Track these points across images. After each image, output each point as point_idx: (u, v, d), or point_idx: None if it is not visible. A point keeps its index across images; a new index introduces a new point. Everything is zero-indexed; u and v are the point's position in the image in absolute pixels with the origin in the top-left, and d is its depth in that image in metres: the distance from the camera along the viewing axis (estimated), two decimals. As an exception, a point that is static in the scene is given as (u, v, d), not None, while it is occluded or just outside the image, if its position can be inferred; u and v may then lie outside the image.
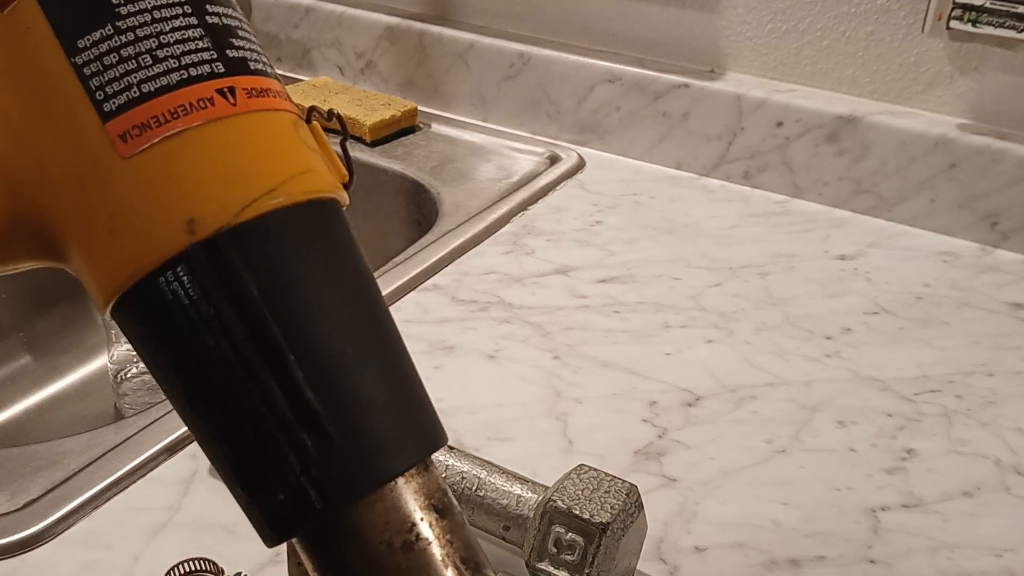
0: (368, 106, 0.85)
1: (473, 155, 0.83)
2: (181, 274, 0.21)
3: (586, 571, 0.38)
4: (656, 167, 0.82)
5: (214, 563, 0.40)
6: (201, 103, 0.22)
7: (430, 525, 0.23)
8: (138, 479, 0.47)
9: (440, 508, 0.23)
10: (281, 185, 0.22)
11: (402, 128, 0.86)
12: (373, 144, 0.83)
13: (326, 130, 0.27)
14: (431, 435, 0.24)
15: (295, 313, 0.21)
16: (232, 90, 0.22)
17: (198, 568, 0.40)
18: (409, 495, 0.22)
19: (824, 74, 0.77)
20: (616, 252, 0.69)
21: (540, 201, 0.76)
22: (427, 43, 0.90)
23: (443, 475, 0.42)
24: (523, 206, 0.75)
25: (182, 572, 0.40)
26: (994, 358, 0.58)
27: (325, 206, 0.23)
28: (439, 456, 0.42)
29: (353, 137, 0.84)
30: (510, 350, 0.58)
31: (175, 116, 0.21)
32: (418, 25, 0.90)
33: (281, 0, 0.97)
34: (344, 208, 0.24)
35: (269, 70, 0.24)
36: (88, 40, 0.21)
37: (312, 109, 0.25)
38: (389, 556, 0.22)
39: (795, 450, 0.50)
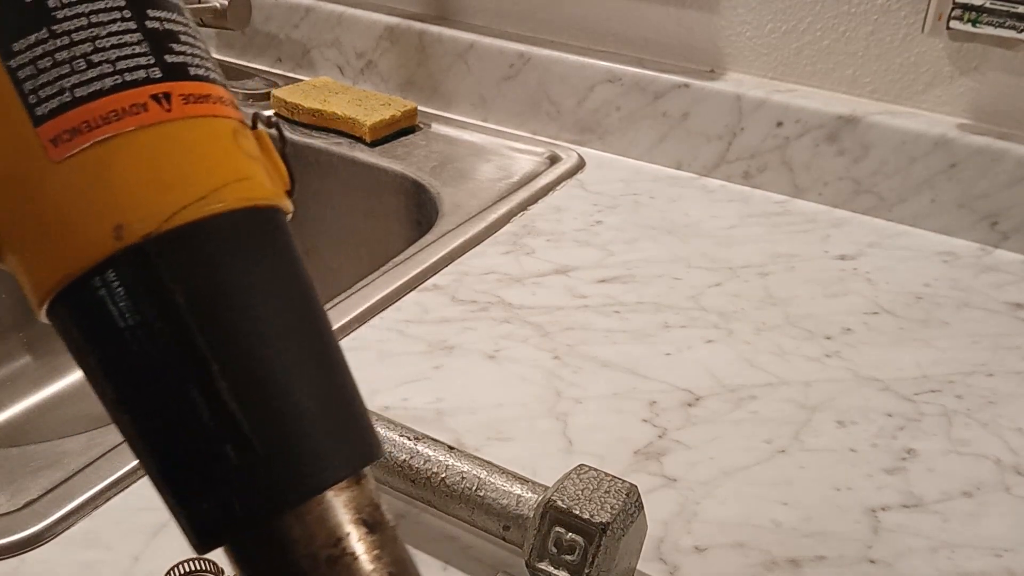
0: (368, 106, 0.85)
1: (473, 155, 0.83)
2: (108, 279, 0.21)
3: (586, 571, 0.38)
4: (656, 167, 0.82)
5: (214, 563, 0.40)
6: (134, 108, 0.22)
7: (358, 539, 0.23)
8: (138, 479, 0.47)
9: (370, 523, 0.23)
10: (213, 192, 0.22)
11: (402, 128, 0.86)
12: (373, 144, 0.83)
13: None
14: (363, 449, 0.23)
15: (222, 322, 0.21)
16: (168, 96, 0.22)
17: (198, 568, 0.40)
18: (338, 508, 0.22)
19: (824, 74, 0.77)
20: (616, 252, 0.69)
21: (540, 201, 0.76)
22: (427, 43, 0.90)
23: (443, 475, 0.42)
24: (523, 206, 0.75)
25: (182, 572, 0.40)
26: (994, 358, 0.58)
27: (262, 214, 0.23)
28: (440, 456, 0.42)
29: (353, 137, 0.84)
30: (510, 350, 0.58)
31: (107, 121, 0.21)
32: (418, 25, 0.90)
33: (281, 0, 0.97)
34: (288, 215, 0.24)
35: (212, 75, 0.24)
36: (23, 44, 0.21)
37: (256, 116, 0.25)
38: (313, 569, 0.22)
39: (795, 450, 0.50)
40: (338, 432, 0.23)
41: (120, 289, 0.21)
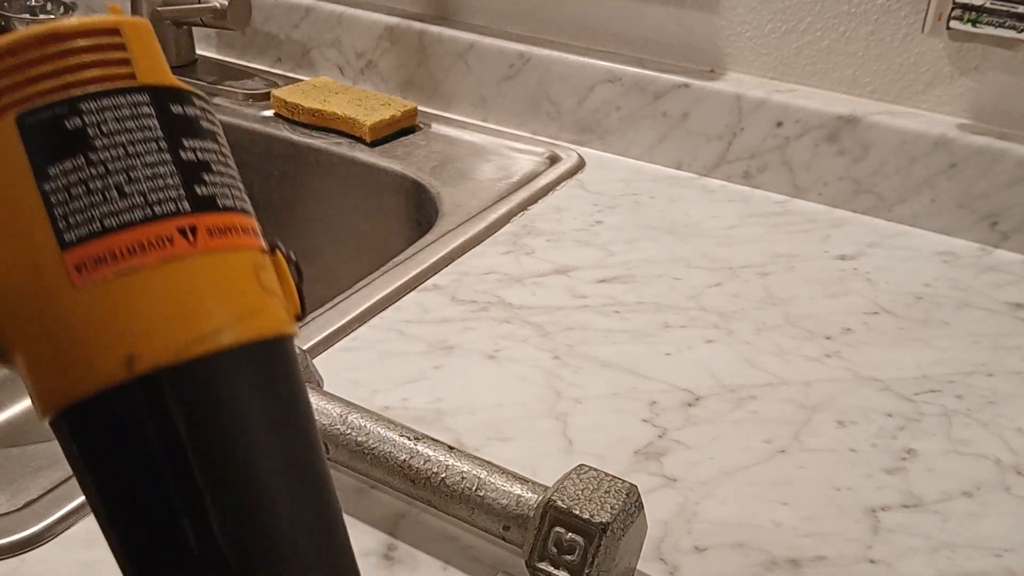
0: (368, 106, 0.85)
1: (473, 155, 0.83)
2: (114, 407, 0.22)
3: (586, 571, 0.38)
4: (656, 167, 0.82)
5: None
6: (160, 242, 0.22)
7: None
8: (138, 479, 0.47)
9: None
10: (227, 327, 0.22)
11: (402, 128, 0.86)
12: (373, 144, 0.83)
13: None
14: None
15: (220, 458, 0.22)
16: (194, 229, 0.22)
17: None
18: None
19: (824, 74, 0.77)
20: (616, 252, 0.69)
21: (540, 201, 0.76)
22: (427, 43, 0.90)
23: (443, 475, 0.42)
24: (523, 206, 0.75)
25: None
26: (994, 358, 0.58)
27: (271, 346, 0.23)
28: (440, 456, 0.42)
29: (353, 137, 0.84)
30: (510, 350, 0.58)
31: (132, 253, 0.22)
32: (418, 25, 0.90)
33: (281, 0, 0.97)
34: (294, 339, 0.25)
35: (239, 204, 0.24)
36: (59, 169, 0.22)
37: (274, 242, 0.25)
38: None
39: (795, 450, 0.50)
40: (320, 567, 0.24)
41: (126, 418, 0.22)
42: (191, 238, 0.22)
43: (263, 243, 0.24)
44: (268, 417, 0.23)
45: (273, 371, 0.24)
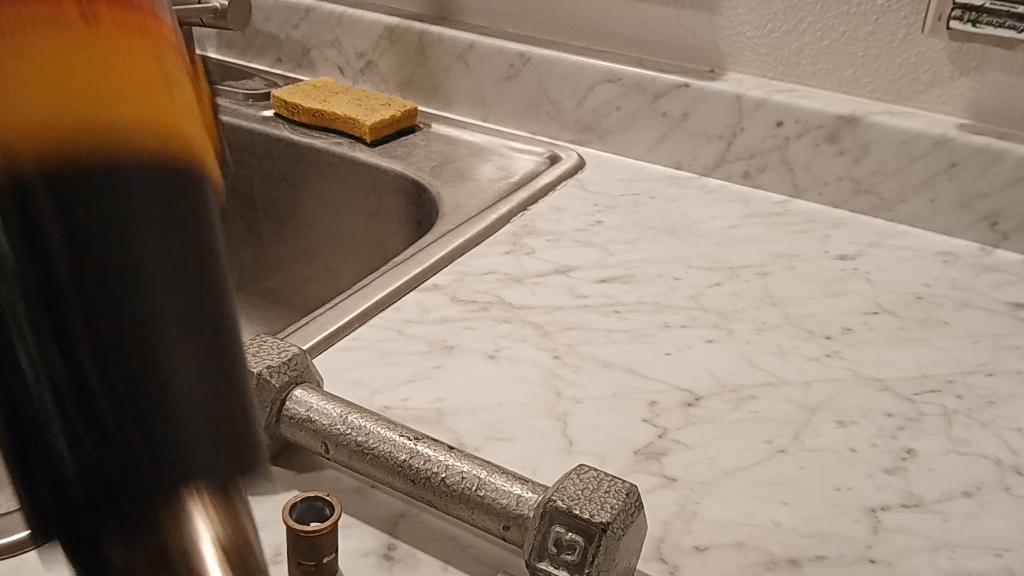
0: (368, 106, 0.85)
1: (473, 155, 0.83)
2: None
3: (586, 571, 0.38)
4: (656, 167, 0.82)
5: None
6: (54, 13, 0.18)
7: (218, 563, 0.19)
8: (138, 479, 0.47)
9: (230, 551, 0.19)
10: (127, 128, 0.18)
11: (402, 128, 0.86)
12: (373, 144, 0.83)
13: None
14: (237, 462, 0.20)
15: (102, 285, 0.18)
16: (94, 9, 0.19)
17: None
18: (189, 526, 0.19)
19: (824, 74, 0.77)
20: (616, 252, 0.69)
21: (540, 201, 0.76)
22: (427, 43, 0.90)
23: (443, 475, 0.42)
24: (523, 206, 0.75)
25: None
26: (994, 358, 0.58)
27: (179, 174, 0.19)
28: (440, 456, 0.42)
29: (353, 137, 0.84)
30: (510, 350, 0.58)
31: (19, 22, 0.18)
32: (418, 25, 0.90)
33: (281, 0, 0.97)
34: (212, 180, 0.20)
35: None
36: None
37: (193, 52, 0.21)
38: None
39: (795, 450, 0.50)
40: (209, 436, 0.19)
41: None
42: (89, 15, 0.19)
43: (176, 39, 0.20)
44: (168, 256, 0.19)
45: (182, 205, 0.19)
